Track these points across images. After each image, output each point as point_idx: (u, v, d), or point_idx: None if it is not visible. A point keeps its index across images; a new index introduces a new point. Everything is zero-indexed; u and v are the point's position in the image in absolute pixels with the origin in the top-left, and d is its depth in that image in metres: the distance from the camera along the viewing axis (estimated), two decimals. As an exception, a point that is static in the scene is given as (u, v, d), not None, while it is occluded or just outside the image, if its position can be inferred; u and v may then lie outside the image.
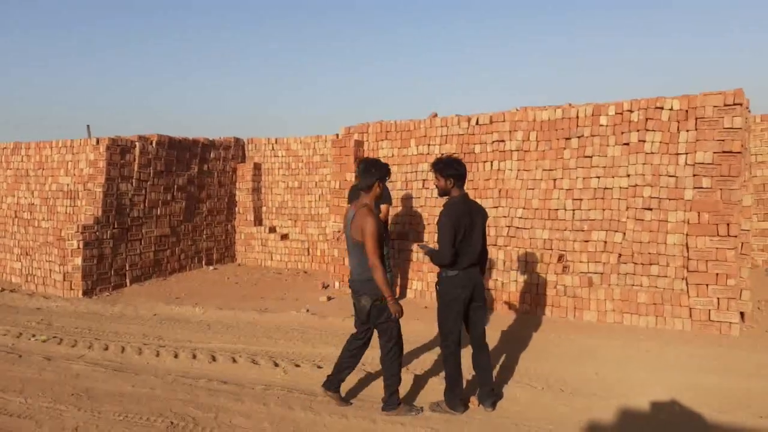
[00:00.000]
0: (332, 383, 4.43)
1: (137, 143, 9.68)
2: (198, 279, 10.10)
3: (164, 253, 10.25)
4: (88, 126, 11.82)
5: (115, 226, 9.27)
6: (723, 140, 6.22)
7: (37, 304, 8.22)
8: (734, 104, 6.21)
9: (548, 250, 7.23)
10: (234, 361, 5.54)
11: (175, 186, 10.44)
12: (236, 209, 11.88)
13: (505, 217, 7.69)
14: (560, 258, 7.06)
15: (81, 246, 8.67)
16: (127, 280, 9.47)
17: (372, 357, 5.07)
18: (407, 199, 8.69)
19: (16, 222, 10.27)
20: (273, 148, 11.75)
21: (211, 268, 11.09)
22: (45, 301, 8.34)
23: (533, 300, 7.12)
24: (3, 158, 10.56)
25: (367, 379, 4.94)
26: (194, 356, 5.68)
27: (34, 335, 6.50)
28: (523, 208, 7.55)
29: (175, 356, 5.71)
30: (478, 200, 7.47)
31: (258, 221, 11.74)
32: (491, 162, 7.89)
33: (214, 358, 5.62)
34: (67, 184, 9.76)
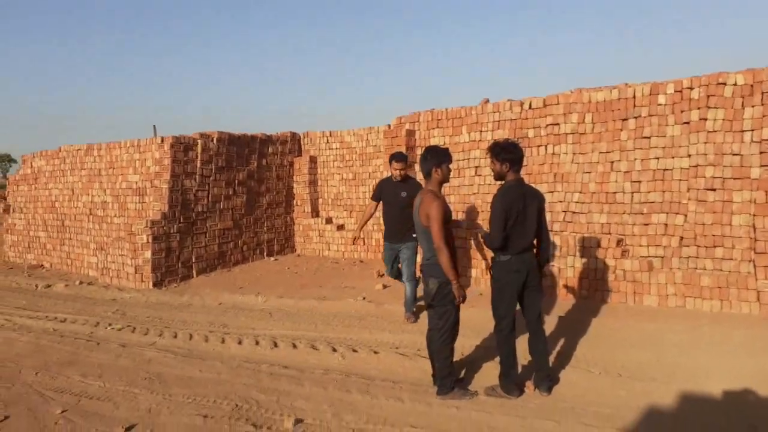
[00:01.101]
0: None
1: (199, 141, 10.08)
2: (260, 269, 10.45)
3: (228, 245, 10.65)
4: (154, 126, 12.42)
5: (181, 221, 9.70)
6: (793, 114, 5.92)
7: (112, 296, 8.75)
8: (805, 76, 5.89)
9: (606, 234, 7.08)
10: (294, 347, 5.74)
11: (236, 181, 10.81)
12: (294, 202, 12.18)
13: (561, 201, 7.58)
14: (619, 242, 6.90)
15: (150, 240, 9.13)
16: (194, 272, 9.91)
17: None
18: (460, 187, 8.68)
19: (91, 219, 10.91)
20: (327, 141, 11.96)
21: (272, 258, 11.44)
22: (119, 293, 8.85)
23: (591, 285, 7.00)
24: (77, 159, 11.21)
25: (425, 365, 5.01)
26: (257, 342, 5.93)
27: (110, 324, 6.94)
28: (580, 192, 7.42)
29: (239, 343, 5.97)
30: (533, 185, 7.39)
31: (315, 213, 12.00)
32: (545, 146, 7.79)
33: (275, 344, 5.84)
34: (136, 182, 10.27)
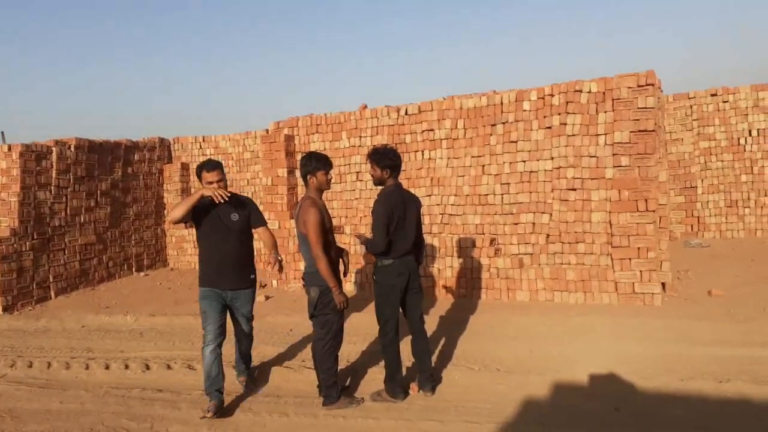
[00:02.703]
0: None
1: (54, 148, 9.18)
2: (129, 286, 9.71)
3: (91, 261, 9.80)
4: (1, 132, 11.12)
5: (35, 237, 8.77)
6: (638, 119, 6.51)
7: (-49, 325, 7.68)
8: (647, 85, 6.50)
9: (480, 234, 7.38)
10: (169, 368, 5.37)
11: (99, 191, 9.99)
12: (165, 212, 11.50)
13: (438, 205, 7.78)
14: (492, 242, 7.22)
15: (-3, 260, 8.15)
16: (52, 293, 9.00)
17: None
18: (342, 192, 8.65)
19: (-77, 239, 9.54)
20: (200, 146, 11.44)
21: (142, 274, 10.70)
22: (-40, 321, 7.80)
23: (468, 284, 7.26)
24: None
25: (311, 376, 4.89)
26: (127, 366, 5.47)
27: (-52, 358, 6.07)
28: (455, 195, 7.67)
29: (107, 368, 5.47)
30: (411, 189, 7.51)
31: (189, 223, 11.39)
32: (422, 151, 7.97)
33: (148, 367, 5.43)
34: (-22, 195, 9.15)
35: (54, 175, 9.15)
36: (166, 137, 11.70)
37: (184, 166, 11.42)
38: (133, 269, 10.75)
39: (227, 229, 4.40)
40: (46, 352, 6.19)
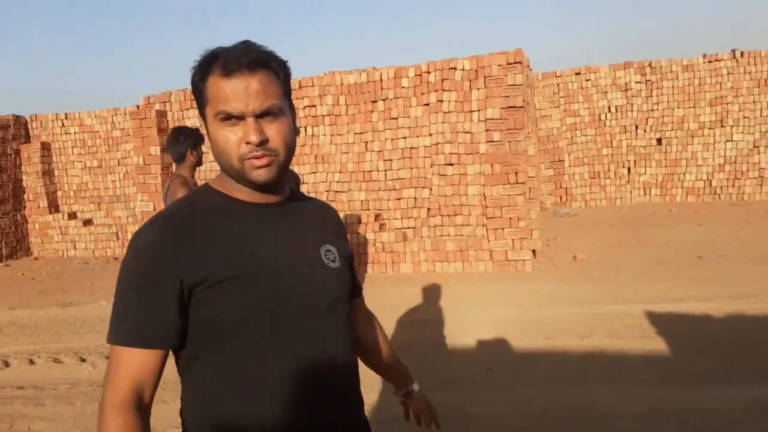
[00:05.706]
0: None
1: None
2: (-16, 279, 8.81)
3: (-65, 253, 8.76)
4: None
5: None
6: (508, 96, 6.86)
7: None
8: (515, 62, 6.84)
9: (366, 210, 7.47)
10: (31, 362, 4.95)
11: (-59, 175, 8.91)
12: (25, 196, 10.50)
13: (323, 182, 7.76)
14: (377, 217, 7.34)
15: None
16: None
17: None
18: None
19: None
20: (63, 124, 10.52)
21: (1, 264, 9.74)
22: None
23: (355, 259, 7.31)
24: None
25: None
26: (-19, 365, 4.97)
27: None
28: (340, 172, 7.68)
29: (-44, 369, 4.94)
30: (294, 167, 7.41)
31: (54, 208, 10.51)
32: (305, 128, 7.87)
33: (6, 364, 4.96)
34: None
35: None
36: (23, 115, 10.64)
37: (45, 146, 10.46)
38: (-11, 260, 9.75)
39: (314, 299, 1.18)
40: None
